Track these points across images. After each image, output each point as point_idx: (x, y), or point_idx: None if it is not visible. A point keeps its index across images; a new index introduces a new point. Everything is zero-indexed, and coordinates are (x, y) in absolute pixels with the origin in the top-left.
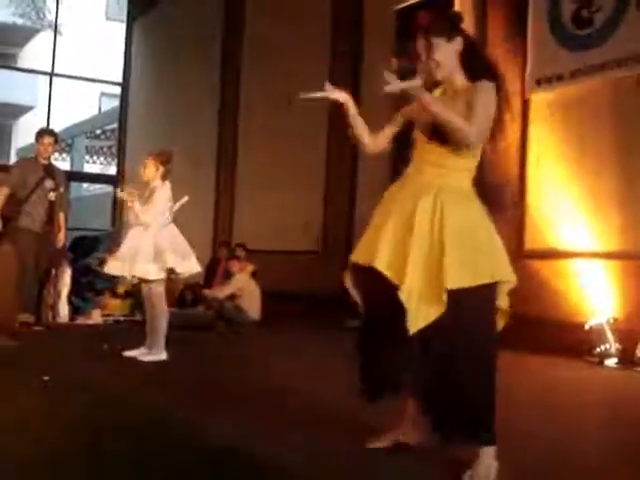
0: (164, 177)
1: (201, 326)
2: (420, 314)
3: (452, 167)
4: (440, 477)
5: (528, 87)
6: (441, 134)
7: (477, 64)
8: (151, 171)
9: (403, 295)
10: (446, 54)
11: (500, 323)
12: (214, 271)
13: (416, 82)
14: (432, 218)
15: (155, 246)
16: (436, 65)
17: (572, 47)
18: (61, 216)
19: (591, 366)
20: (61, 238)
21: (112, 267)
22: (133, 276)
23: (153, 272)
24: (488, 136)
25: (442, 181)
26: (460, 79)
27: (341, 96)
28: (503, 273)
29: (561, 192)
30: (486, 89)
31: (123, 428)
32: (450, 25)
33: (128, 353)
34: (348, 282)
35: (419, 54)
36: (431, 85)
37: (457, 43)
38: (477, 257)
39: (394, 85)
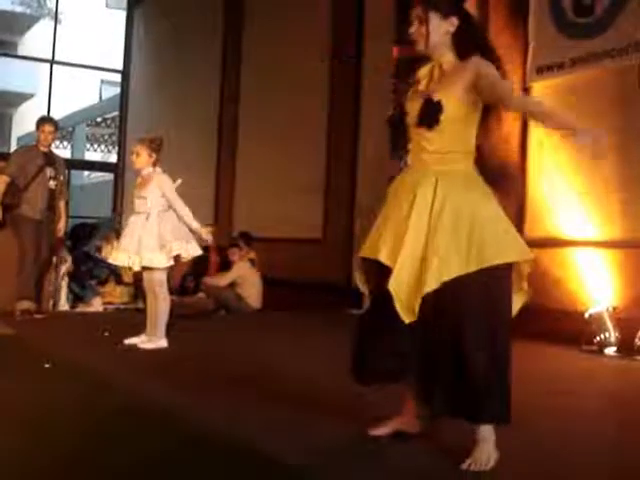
0: (155, 164)
1: (201, 314)
2: (412, 304)
3: (449, 150)
4: (441, 466)
5: (529, 75)
6: (428, 119)
7: (472, 44)
8: (144, 159)
9: (391, 286)
10: (436, 30)
11: (517, 305)
12: (207, 259)
13: None
14: (432, 205)
15: (159, 235)
16: (423, 37)
17: (573, 35)
18: (61, 204)
19: (591, 355)
20: (61, 227)
21: (118, 258)
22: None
23: (160, 261)
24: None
25: (442, 167)
26: (448, 58)
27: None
28: (509, 254)
29: (561, 180)
30: (486, 63)
31: (122, 414)
32: (448, 3)
33: (129, 341)
34: (358, 278)
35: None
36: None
37: (450, 23)
38: (478, 241)
39: None
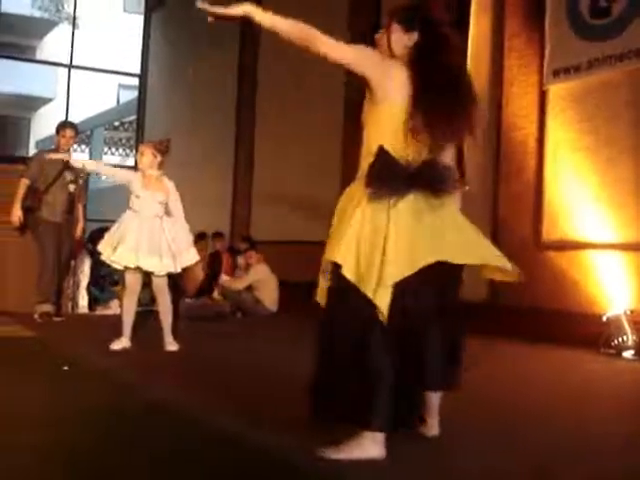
0: (160, 166)
1: (219, 316)
2: None
3: None
4: (455, 467)
5: (546, 78)
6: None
7: (427, 61)
8: (148, 159)
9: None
10: (395, 41)
11: None
12: (219, 263)
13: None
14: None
15: (177, 240)
16: (384, 45)
17: (590, 37)
18: (80, 208)
19: (608, 358)
20: (79, 230)
21: (151, 264)
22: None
23: (182, 264)
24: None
25: None
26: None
27: (241, 9)
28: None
29: (578, 183)
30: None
31: (139, 415)
32: (410, 18)
33: (170, 348)
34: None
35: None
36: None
37: (409, 38)
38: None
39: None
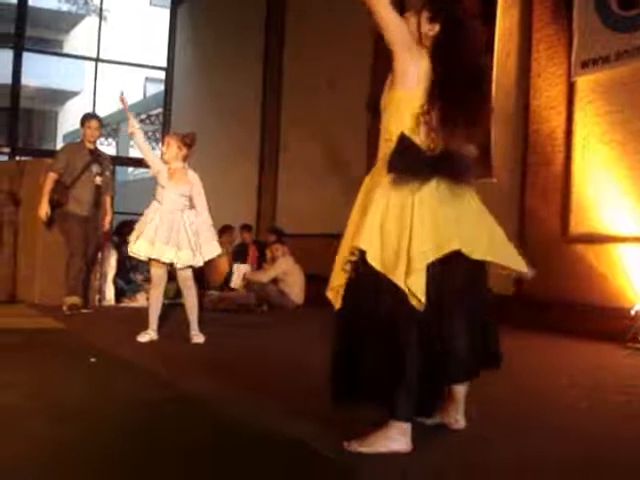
0: (185, 159)
1: (244, 309)
2: None
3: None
4: (485, 461)
5: (574, 70)
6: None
7: (445, 52)
8: (173, 150)
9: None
10: (421, 27)
11: None
12: (244, 255)
13: None
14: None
15: (198, 233)
16: (412, 28)
17: (618, 29)
18: (107, 200)
19: (636, 352)
20: (107, 222)
21: (165, 254)
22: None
23: (203, 258)
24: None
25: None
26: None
27: None
28: None
29: (607, 176)
30: None
31: (164, 408)
32: (436, 9)
33: (196, 340)
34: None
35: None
36: None
37: (430, 29)
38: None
39: None
